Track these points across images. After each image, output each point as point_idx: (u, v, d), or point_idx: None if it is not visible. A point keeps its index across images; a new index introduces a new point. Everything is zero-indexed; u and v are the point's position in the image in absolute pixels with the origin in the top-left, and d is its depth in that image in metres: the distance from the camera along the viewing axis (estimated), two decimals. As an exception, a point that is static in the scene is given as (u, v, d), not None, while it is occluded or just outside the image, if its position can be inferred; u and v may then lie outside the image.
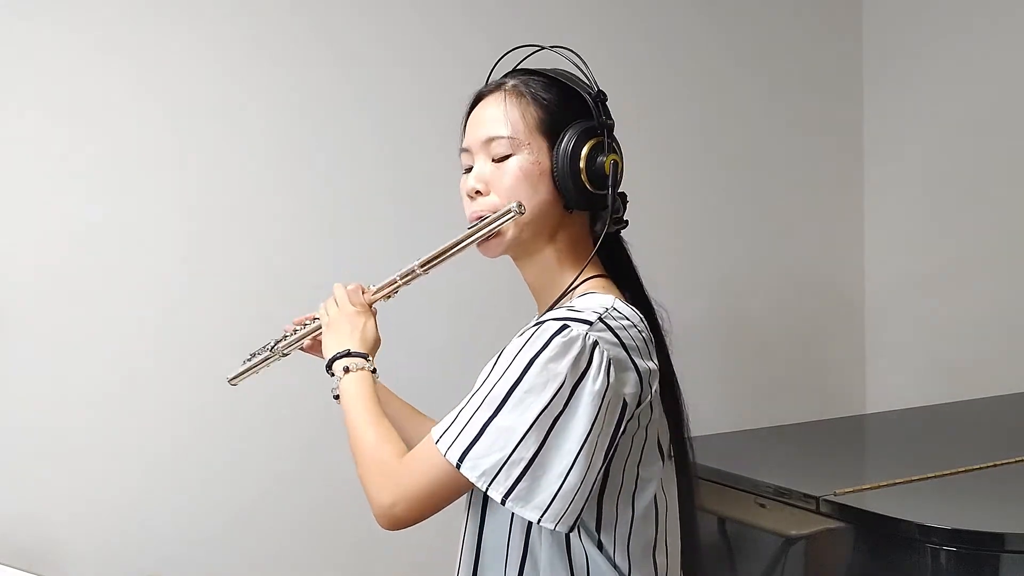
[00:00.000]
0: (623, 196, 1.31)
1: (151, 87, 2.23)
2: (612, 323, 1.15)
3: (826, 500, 1.81)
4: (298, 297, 2.36)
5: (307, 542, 2.41)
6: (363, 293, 1.36)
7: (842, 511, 1.79)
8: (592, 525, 1.17)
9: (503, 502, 1.10)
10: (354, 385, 1.26)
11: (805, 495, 1.85)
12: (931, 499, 1.83)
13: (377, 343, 1.34)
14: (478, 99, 1.30)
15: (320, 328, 1.39)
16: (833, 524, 1.81)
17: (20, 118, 2.11)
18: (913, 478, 1.91)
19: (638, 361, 1.16)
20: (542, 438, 1.09)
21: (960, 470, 1.95)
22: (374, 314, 1.37)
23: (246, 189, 2.34)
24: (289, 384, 2.09)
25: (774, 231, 3.10)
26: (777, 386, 3.08)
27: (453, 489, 1.14)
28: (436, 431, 1.14)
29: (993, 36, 2.86)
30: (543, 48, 1.32)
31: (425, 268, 1.32)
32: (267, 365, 1.48)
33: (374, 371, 1.30)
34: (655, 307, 1.31)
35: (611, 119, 1.27)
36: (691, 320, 2.88)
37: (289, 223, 2.38)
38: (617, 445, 1.15)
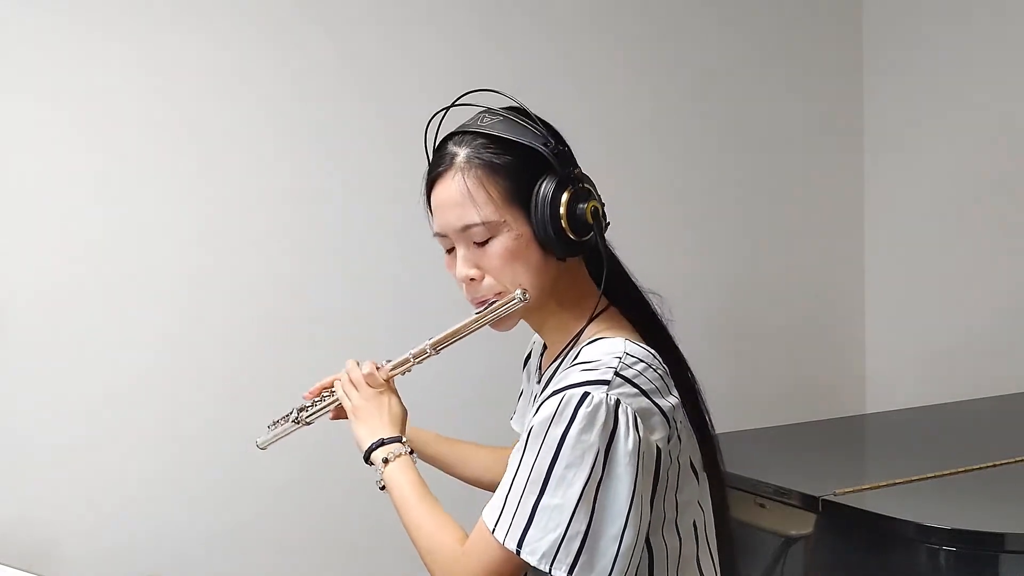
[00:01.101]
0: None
1: (158, 91, 2.23)
2: (628, 373, 1.15)
3: (826, 500, 1.81)
4: (303, 303, 2.38)
5: (307, 543, 2.41)
6: (378, 369, 1.36)
7: (842, 511, 1.79)
8: (646, 565, 1.19)
9: None
10: (399, 475, 1.28)
11: (805, 495, 1.85)
12: (931, 499, 1.83)
13: (405, 417, 1.36)
14: (433, 181, 1.25)
15: (336, 400, 1.41)
16: (833, 524, 1.81)
17: (25, 120, 2.11)
18: (913, 478, 1.91)
19: (660, 402, 1.17)
20: (591, 509, 1.10)
21: (960, 470, 1.95)
22: (393, 389, 1.38)
23: (254, 194, 2.34)
24: (290, 387, 2.09)
25: (774, 231, 3.10)
26: (777, 386, 3.08)
27: (517, 570, 1.15)
28: (489, 518, 1.16)
29: (993, 36, 2.86)
30: (455, 104, 1.28)
31: (437, 349, 1.33)
32: (290, 433, 1.51)
33: (411, 452, 1.31)
34: (656, 311, 1.30)
35: (574, 163, 1.23)
36: (691, 320, 2.86)
37: (297, 229, 2.39)
38: (656, 483, 1.17)
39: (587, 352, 1.20)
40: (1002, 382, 2.74)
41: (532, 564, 1.12)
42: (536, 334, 1.47)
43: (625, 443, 1.11)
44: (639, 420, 1.13)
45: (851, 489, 1.85)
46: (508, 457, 1.52)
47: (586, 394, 1.12)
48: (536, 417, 1.15)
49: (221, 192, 2.31)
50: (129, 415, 2.21)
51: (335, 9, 2.42)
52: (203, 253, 2.29)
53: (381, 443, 1.30)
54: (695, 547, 1.25)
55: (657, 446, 1.15)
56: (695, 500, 1.24)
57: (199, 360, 2.28)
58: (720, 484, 1.32)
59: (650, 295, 1.32)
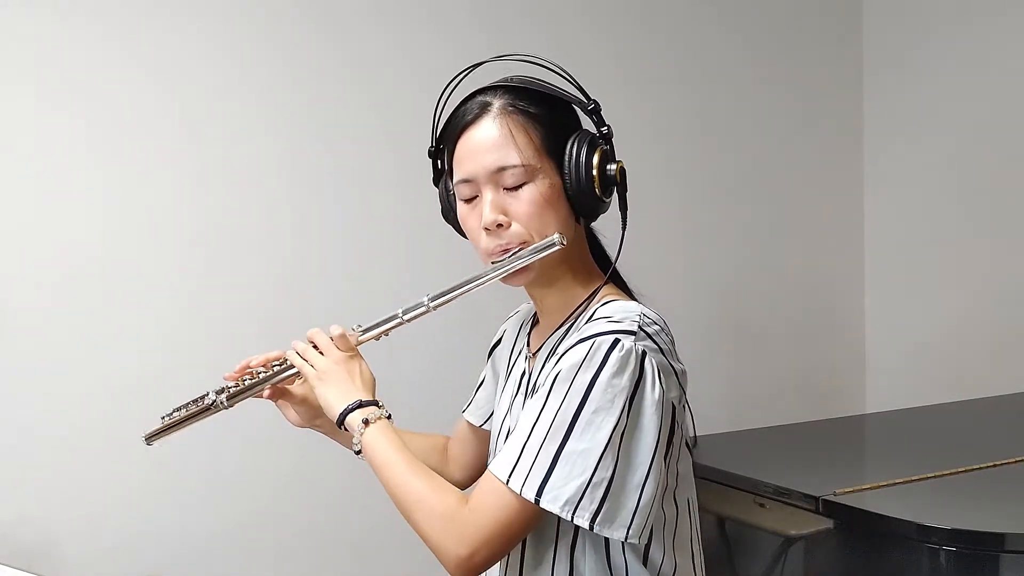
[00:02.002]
0: None
1: (157, 92, 2.23)
2: (649, 330, 1.16)
3: (826, 500, 1.81)
4: (304, 299, 2.38)
5: (307, 542, 2.41)
6: (362, 331, 1.30)
7: (842, 511, 1.79)
8: (648, 530, 1.17)
9: (591, 527, 1.08)
10: (381, 437, 1.21)
11: (805, 495, 1.85)
12: (931, 499, 1.83)
13: (375, 383, 1.29)
14: (465, 126, 1.22)
15: (290, 373, 1.33)
16: (833, 524, 1.81)
17: (26, 118, 2.11)
18: (913, 478, 1.91)
19: (674, 364, 1.17)
20: (616, 455, 1.08)
21: (960, 470, 1.95)
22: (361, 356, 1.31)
23: (254, 193, 2.34)
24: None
25: (775, 231, 3.10)
26: (777, 386, 3.08)
27: (531, 525, 1.12)
28: (501, 471, 1.11)
29: (993, 35, 2.86)
30: (499, 58, 1.29)
31: (437, 306, 1.27)
32: (196, 421, 1.39)
33: (390, 416, 1.25)
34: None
35: (606, 124, 1.24)
36: (691, 320, 2.88)
37: (297, 229, 2.38)
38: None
39: (604, 310, 1.19)
40: (1002, 382, 2.74)
41: (554, 512, 1.08)
42: (509, 320, 1.47)
43: (652, 393, 1.10)
44: (661, 374, 1.13)
45: (851, 489, 1.85)
46: (442, 444, 1.54)
47: (617, 340, 1.11)
48: (562, 364, 1.13)
49: (220, 192, 2.30)
50: (129, 415, 2.21)
51: (335, 9, 2.42)
52: (203, 253, 2.29)
53: (359, 405, 1.23)
54: (688, 524, 1.24)
55: (672, 404, 1.15)
56: (690, 475, 1.25)
57: (199, 360, 2.27)
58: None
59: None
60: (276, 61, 2.36)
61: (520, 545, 1.21)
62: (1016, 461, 2.00)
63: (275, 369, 1.37)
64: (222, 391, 1.39)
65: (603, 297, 1.23)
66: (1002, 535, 1.62)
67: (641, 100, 2.84)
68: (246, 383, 1.38)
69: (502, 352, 1.46)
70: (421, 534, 1.15)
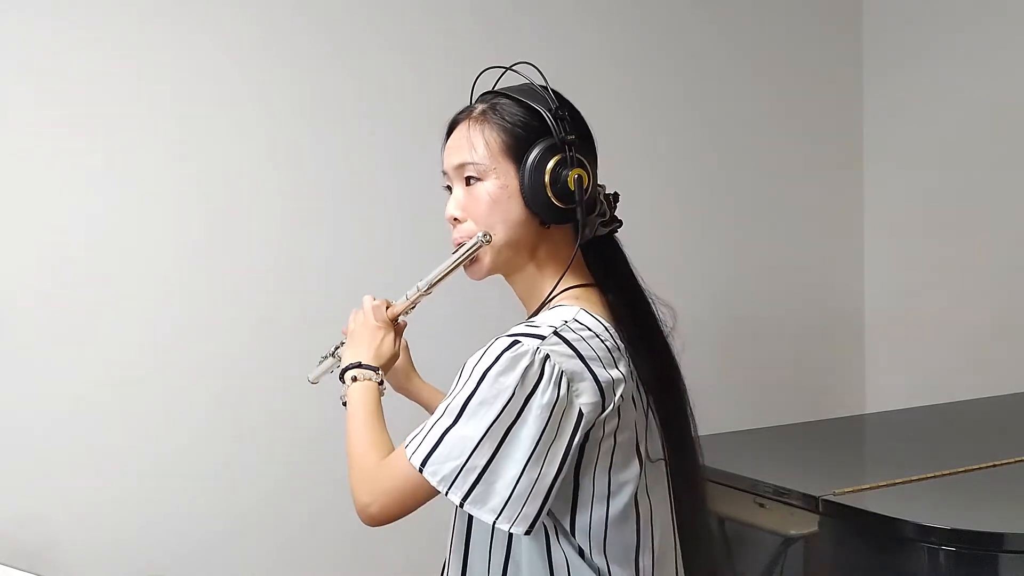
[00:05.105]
0: (615, 196, 1.36)
1: (155, 92, 2.23)
2: (568, 335, 1.20)
3: (826, 500, 1.81)
4: (300, 301, 2.38)
5: (307, 542, 2.41)
6: (387, 308, 1.42)
7: (842, 511, 1.79)
8: (568, 530, 1.23)
9: (461, 505, 1.18)
10: (359, 394, 1.33)
11: (805, 495, 1.85)
12: (930, 499, 1.83)
13: (393, 359, 1.40)
14: (453, 125, 1.35)
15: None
16: (833, 524, 1.81)
17: (23, 118, 2.12)
18: (913, 478, 1.91)
19: (598, 371, 1.20)
20: (495, 447, 1.16)
21: (960, 470, 1.95)
22: (399, 330, 1.43)
23: (250, 192, 2.34)
24: (289, 385, 2.10)
25: (775, 232, 3.10)
26: (777, 386, 3.08)
27: (421, 492, 1.21)
28: (409, 437, 1.22)
29: (994, 36, 2.86)
30: (508, 68, 1.36)
31: (429, 288, 1.39)
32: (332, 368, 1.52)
33: (381, 383, 1.36)
34: (654, 308, 1.33)
35: (576, 132, 1.29)
36: (692, 321, 2.87)
37: (293, 227, 2.39)
38: (583, 452, 1.20)
39: (540, 315, 1.26)
40: (1002, 382, 2.74)
41: (432, 484, 1.18)
42: None
43: (541, 396, 1.16)
44: (565, 379, 1.18)
45: (851, 489, 1.85)
46: None
47: (516, 342, 1.19)
48: (475, 354, 1.22)
49: (218, 192, 2.31)
50: (129, 415, 2.22)
51: (332, 10, 2.42)
52: (202, 252, 2.29)
53: (359, 365, 1.35)
54: (635, 535, 1.25)
55: (581, 410, 1.18)
56: (636, 484, 1.25)
57: (199, 359, 2.28)
58: (694, 482, 1.36)
59: (654, 297, 1.34)
60: (273, 59, 2.36)
61: (466, 527, 1.29)
62: (1016, 461, 2.00)
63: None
64: (340, 345, 1.49)
65: (559, 301, 1.29)
66: (1001, 535, 1.62)
67: (641, 102, 2.84)
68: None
69: None
70: (349, 481, 1.27)
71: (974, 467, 1.97)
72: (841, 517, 1.79)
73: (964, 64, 2.94)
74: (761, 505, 1.94)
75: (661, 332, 1.32)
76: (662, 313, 1.34)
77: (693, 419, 1.34)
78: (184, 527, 2.26)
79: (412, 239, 2.46)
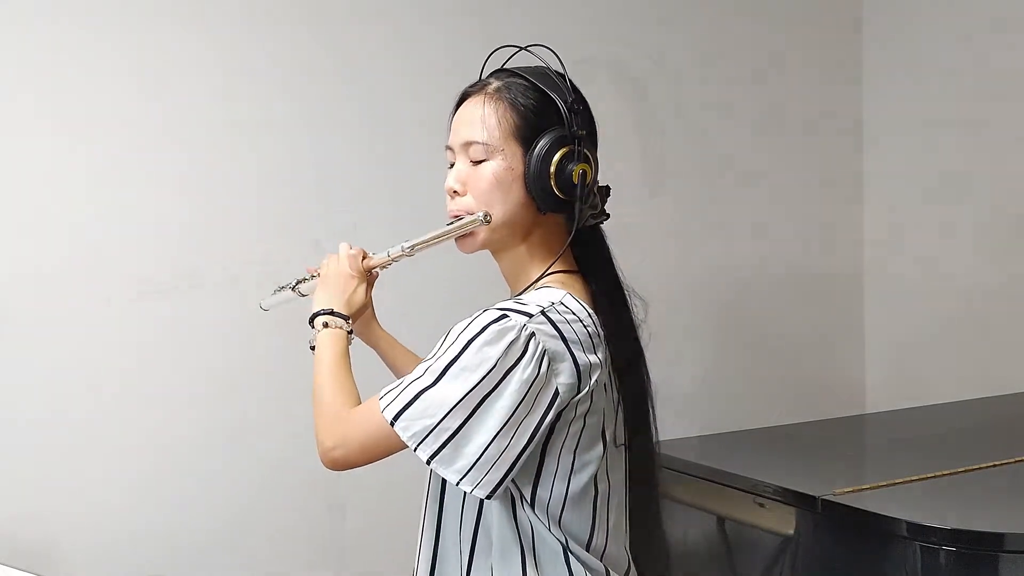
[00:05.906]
0: (606, 189, 1.38)
1: (151, 89, 2.23)
2: (554, 316, 1.23)
3: (825, 500, 1.81)
4: (299, 300, 2.37)
5: (308, 541, 2.41)
6: (363, 259, 1.43)
7: (841, 511, 1.79)
8: (529, 500, 1.27)
9: (428, 462, 1.21)
10: (328, 340, 1.35)
11: (804, 495, 1.85)
12: (930, 499, 1.83)
13: (363, 308, 1.43)
14: (464, 97, 1.36)
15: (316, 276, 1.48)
16: (832, 524, 1.81)
17: (23, 118, 2.11)
18: (912, 478, 1.91)
19: (578, 354, 1.24)
20: (469, 412, 1.19)
21: (960, 470, 1.95)
22: (371, 280, 1.45)
23: (250, 192, 2.34)
24: (289, 384, 2.10)
25: (774, 230, 3.09)
26: (777, 386, 3.07)
27: (387, 444, 1.24)
28: (384, 390, 1.24)
29: (993, 33, 2.86)
30: (522, 48, 1.37)
31: (412, 250, 1.40)
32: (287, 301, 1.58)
33: (350, 332, 1.38)
34: (628, 299, 1.37)
35: (585, 128, 1.32)
36: (691, 320, 2.88)
37: (293, 227, 2.38)
38: (553, 430, 1.24)
39: (528, 294, 1.29)
40: (1001, 382, 2.74)
41: (402, 439, 1.21)
42: None
43: (522, 372, 1.19)
44: (547, 358, 1.21)
45: (850, 489, 1.85)
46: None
47: (504, 315, 1.22)
48: (462, 321, 1.24)
49: (218, 192, 2.31)
50: (129, 414, 2.21)
51: (327, 8, 2.42)
52: (199, 251, 2.28)
53: (331, 312, 1.37)
54: (590, 513, 1.30)
55: (558, 389, 1.22)
56: (597, 465, 1.29)
57: (199, 359, 2.28)
58: (649, 466, 1.41)
59: (631, 292, 1.38)
60: (267, 58, 2.36)
61: (440, 489, 1.32)
62: (1016, 461, 2.00)
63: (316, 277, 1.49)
64: (301, 280, 1.54)
65: (545, 284, 1.32)
66: (1001, 535, 1.62)
67: (640, 98, 2.84)
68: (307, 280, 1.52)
69: None
70: (314, 426, 1.30)
71: (974, 467, 1.97)
72: (841, 517, 1.79)
73: (965, 59, 2.92)
74: (761, 505, 1.94)
75: (633, 323, 1.37)
76: (635, 306, 1.38)
77: (654, 407, 1.39)
78: (184, 527, 2.26)
79: (405, 233, 2.46)
